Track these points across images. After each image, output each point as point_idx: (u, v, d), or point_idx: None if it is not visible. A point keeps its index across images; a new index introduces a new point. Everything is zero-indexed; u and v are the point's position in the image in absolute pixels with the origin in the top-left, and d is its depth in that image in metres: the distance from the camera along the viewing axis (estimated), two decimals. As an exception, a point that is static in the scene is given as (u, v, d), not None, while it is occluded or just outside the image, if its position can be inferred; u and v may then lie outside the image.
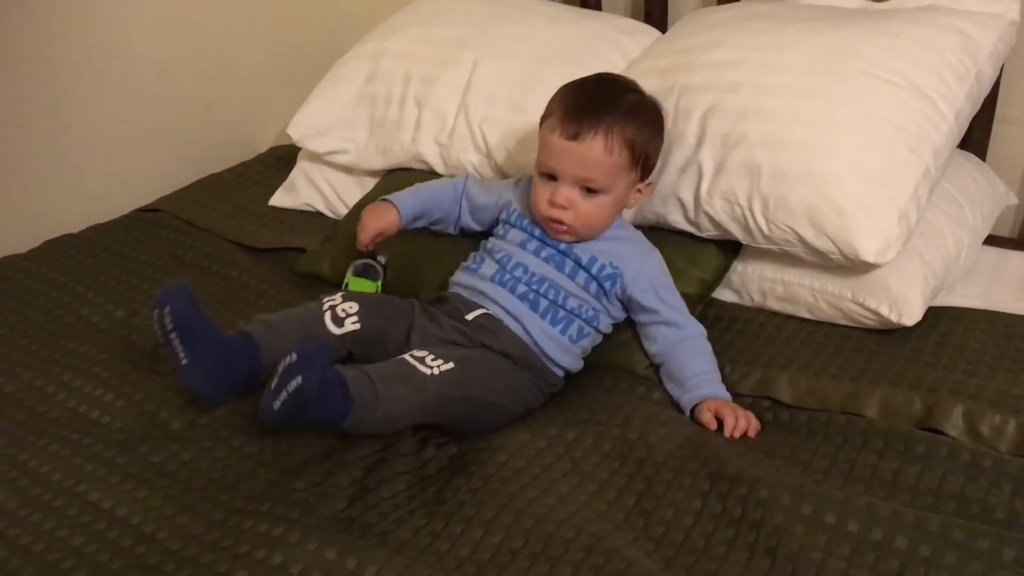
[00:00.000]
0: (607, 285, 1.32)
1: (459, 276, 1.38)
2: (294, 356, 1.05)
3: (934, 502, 1.05)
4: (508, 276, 1.33)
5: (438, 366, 1.18)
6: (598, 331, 1.34)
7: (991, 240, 1.63)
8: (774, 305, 1.47)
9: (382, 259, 1.42)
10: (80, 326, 1.43)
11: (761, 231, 1.39)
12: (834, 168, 1.35)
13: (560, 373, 1.32)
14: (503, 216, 1.42)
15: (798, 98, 1.40)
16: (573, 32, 1.74)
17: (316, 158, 1.81)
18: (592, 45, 1.72)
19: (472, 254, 1.41)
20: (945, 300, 1.46)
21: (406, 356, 1.19)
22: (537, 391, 1.29)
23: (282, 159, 2.03)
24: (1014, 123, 1.68)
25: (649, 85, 1.53)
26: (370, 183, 1.77)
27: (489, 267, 1.35)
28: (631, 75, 1.58)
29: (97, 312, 1.46)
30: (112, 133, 1.85)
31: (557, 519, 1.03)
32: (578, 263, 1.33)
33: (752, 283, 1.48)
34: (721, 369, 1.31)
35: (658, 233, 1.47)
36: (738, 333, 1.42)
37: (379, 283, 1.40)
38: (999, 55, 1.50)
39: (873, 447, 1.14)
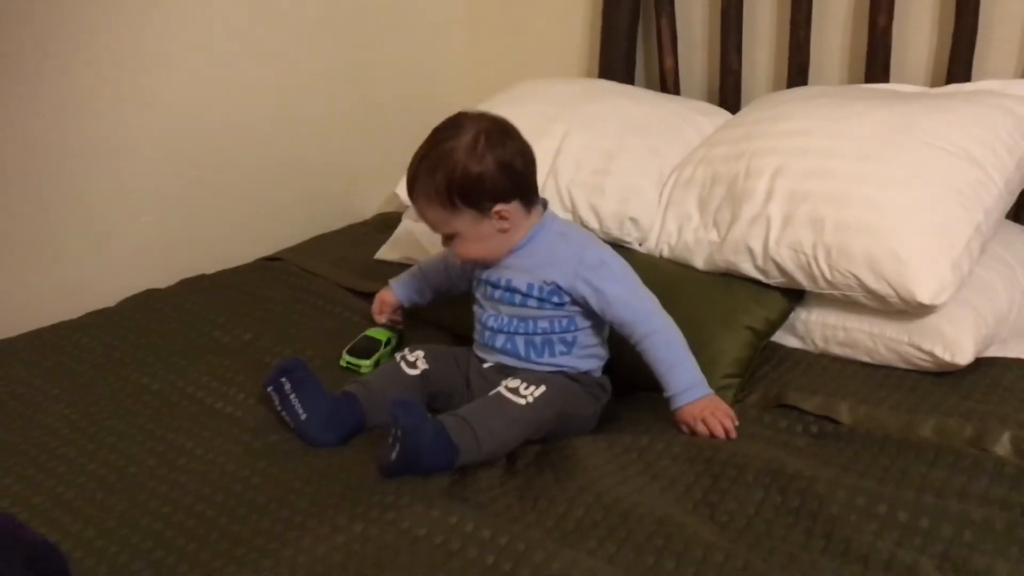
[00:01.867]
0: (554, 300, 1.41)
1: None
2: (398, 416, 1.23)
3: (978, 504, 1.15)
4: (487, 332, 1.46)
5: (531, 393, 1.34)
6: (580, 328, 1.43)
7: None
8: (836, 350, 1.59)
9: (393, 335, 1.63)
10: (212, 345, 1.64)
11: (824, 277, 1.53)
12: (893, 222, 1.49)
13: (591, 372, 1.45)
14: (472, 278, 1.54)
15: (860, 161, 1.56)
16: (653, 111, 1.94)
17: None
18: (670, 121, 1.92)
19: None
20: (998, 352, 1.56)
21: (501, 389, 1.36)
22: (589, 396, 1.43)
23: (385, 223, 2.25)
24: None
25: (720, 152, 1.72)
26: (467, 240, 1.97)
27: (476, 332, 1.50)
28: (706, 146, 1.78)
29: (228, 335, 1.67)
30: (237, 197, 2.10)
31: (632, 501, 1.16)
32: (519, 291, 1.42)
33: (815, 329, 1.61)
34: (784, 396, 1.43)
35: (719, 279, 1.63)
36: (803, 372, 1.54)
37: (369, 361, 1.57)
38: (1049, 132, 1.65)
39: (925, 459, 1.24)
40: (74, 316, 1.75)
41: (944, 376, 1.48)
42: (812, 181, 1.57)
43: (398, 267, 2.01)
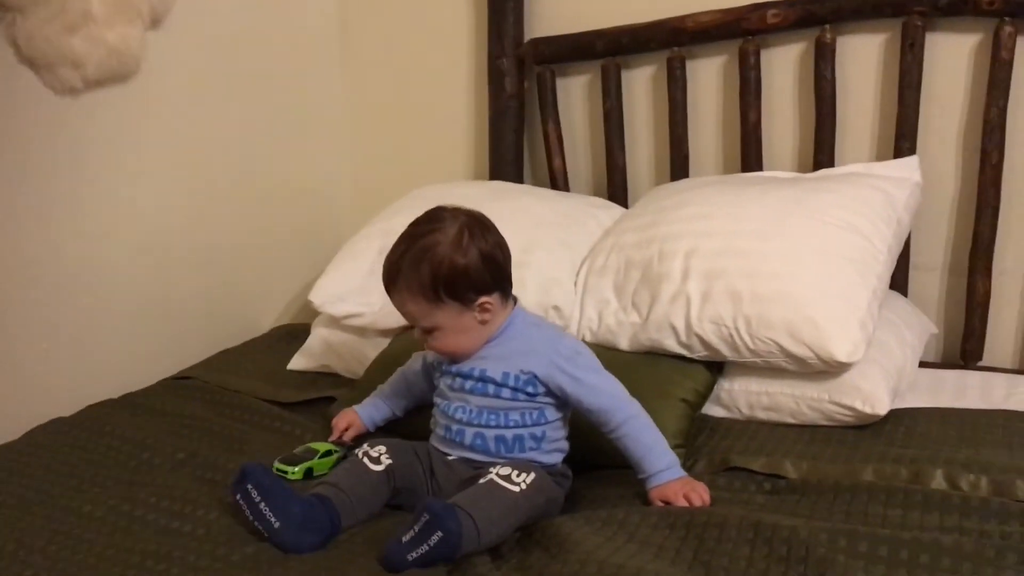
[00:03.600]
0: (529, 389, 1.42)
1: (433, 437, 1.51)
2: (427, 516, 1.21)
3: (942, 533, 1.25)
4: (455, 425, 1.45)
5: (523, 481, 1.35)
6: (549, 422, 1.45)
7: (922, 364, 1.92)
8: (761, 415, 1.70)
9: (336, 449, 1.59)
10: (146, 467, 1.55)
11: (747, 346, 1.65)
12: (803, 291, 1.63)
13: (556, 465, 1.47)
14: (436, 370, 1.54)
15: (763, 239, 1.71)
16: (556, 207, 2.05)
17: (332, 324, 2.01)
18: (572, 215, 2.03)
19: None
20: (900, 404, 1.72)
21: (493, 477, 1.34)
22: (558, 485, 1.44)
23: (289, 333, 2.22)
24: (924, 268, 2.02)
25: (631, 239, 1.83)
26: (382, 343, 1.97)
27: (438, 426, 1.49)
28: (614, 235, 1.89)
29: (158, 455, 1.59)
30: (133, 320, 2.01)
31: (634, 568, 1.19)
32: (494, 381, 1.43)
33: (740, 397, 1.72)
34: (730, 460, 1.51)
35: (645, 357, 1.72)
36: (736, 438, 1.63)
37: (298, 468, 1.53)
38: (911, 207, 1.86)
39: (878, 500, 1.34)
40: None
41: (864, 428, 1.61)
42: (724, 259, 1.70)
43: (313, 376, 2.00)
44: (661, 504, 1.39)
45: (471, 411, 1.44)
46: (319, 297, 1.98)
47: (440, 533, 1.20)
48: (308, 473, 1.54)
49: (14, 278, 1.78)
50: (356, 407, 1.67)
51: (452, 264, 1.38)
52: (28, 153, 1.77)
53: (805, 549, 1.21)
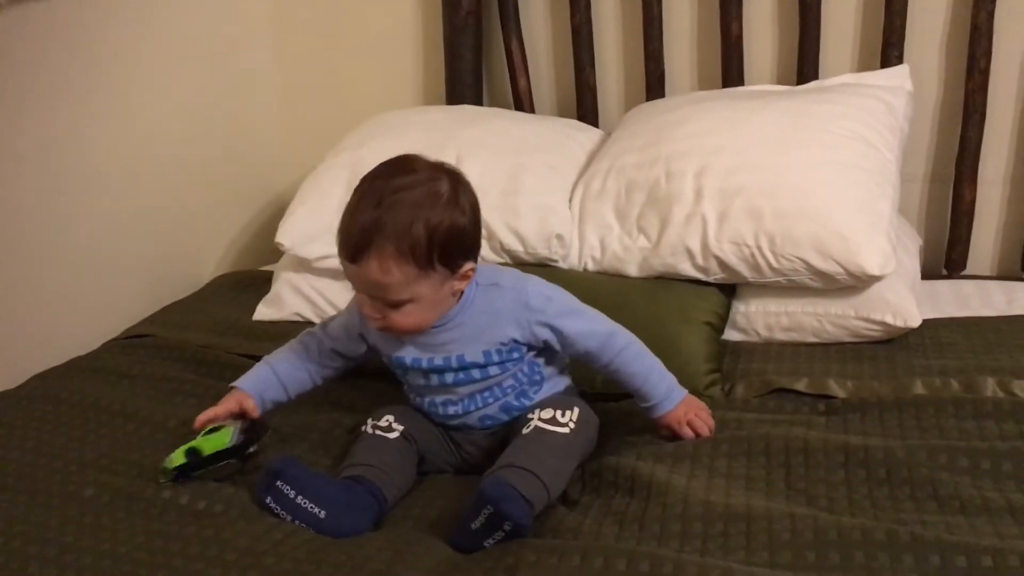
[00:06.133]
0: (515, 356, 1.28)
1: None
2: (490, 508, 1.07)
3: (1000, 441, 1.22)
4: (454, 421, 1.30)
5: (569, 419, 1.24)
6: (543, 367, 1.32)
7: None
8: (780, 336, 1.64)
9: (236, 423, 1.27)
10: (137, 439, 1.36)
11: (769, 265, 1.57)
12: (827, 204, 1.57)
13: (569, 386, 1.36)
14: (384, 357, 1.33)
15: (776, 153, 1.63)
16: (536, 130, 1.91)
17: (300, 268, 1.82)
18: (554, 139, 1.90)
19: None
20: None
21: (537, 423, 1.22)
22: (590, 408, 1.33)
23: (239, 282, 2.01)
24: (906, 179, 1.99)
25: (630, 161, 1.72)
26: (359, 286, 1.80)
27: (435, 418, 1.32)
28: (607, 157, 1.77)
29: (147, 425, 1.39)
30: (47, 280, 1.75)
31: (727, 504, 1.11)
32: (477, 364, 1.26)
33: (757, 319, 1.65)
34: (773, 382, 1.44)
35: (658, 282, 1.63)
36: (765, 361, 1.56)
37: (173, 454, 1.22)
38: (907, 115, 1.82)
39: (947, 413, 1.30)
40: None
41: (890, 343, 1.57)
42: (738, 176, 1.62)
43: (287, 327, 1.80)
44: (667, 435, 1.31)
45: (462, 403, 1.29)
46: (288, 239, 1.78)
47: (510, 524, 1.07)
48: (192, 454, 1.21)
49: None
50: (243, 385, 1.33)
51: (453, 224, 1.17)
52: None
53: (907, 470, 1.15)
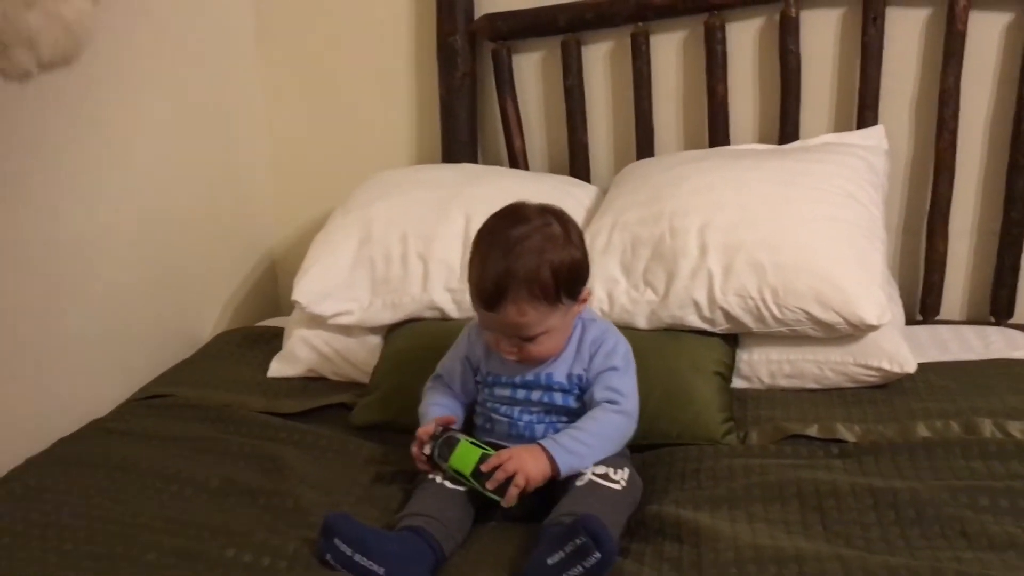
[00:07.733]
0: (576, 392, 1.42)
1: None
2: (584, 537, 1.13)
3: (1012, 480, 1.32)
4: (510, 439, 1.40)
5: (621, 477, 1.32)
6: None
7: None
8: (783, 383, 1.73)
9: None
10: (180, 501, 1.37)
11: (773, 316, 1.66)
12: (825, 259, 1.67)
13: None
14: (480, 374, 1.47)
15: (776, 210, 1.73)
16: (537, 187, 1.98)
17: (312, 324, 1.86)
18: (554, 196, 1.93)
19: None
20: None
21: (591, 478, 1.31)
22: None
23: (244, 340, 2.04)
24: (885, 231, 2.12)
25: (633, 217, 1.81)
26: (371, 341, 1.85)
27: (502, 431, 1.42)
28: (610, 213, 1.86)
29: (189, 486, 1.41)
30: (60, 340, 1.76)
31: (774, 547, 1.18)
32: (561, 388, 1.42)
33: (760, 367, 1.74)
34: (785, 428, 1.53)
35: (667, 334, 1.71)
36: (772, 408, 1.65)
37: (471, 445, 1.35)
38: (886, 172, 1.95)
39: (954, 453, 1.40)
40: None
41: (886, 387, 1.67)
42: (740, 231, 1.71)
43: (302, 383, 1.84)
44: (496, 461, 1.31)
45: (531, 423, 1.40)
46: (304, 297, 1.82)
47: (599, 555, 1.14)
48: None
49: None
50: (435, 409, 1.46)
51: (572, 261, 1.34)
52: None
53: (934, 509, 1.24)
